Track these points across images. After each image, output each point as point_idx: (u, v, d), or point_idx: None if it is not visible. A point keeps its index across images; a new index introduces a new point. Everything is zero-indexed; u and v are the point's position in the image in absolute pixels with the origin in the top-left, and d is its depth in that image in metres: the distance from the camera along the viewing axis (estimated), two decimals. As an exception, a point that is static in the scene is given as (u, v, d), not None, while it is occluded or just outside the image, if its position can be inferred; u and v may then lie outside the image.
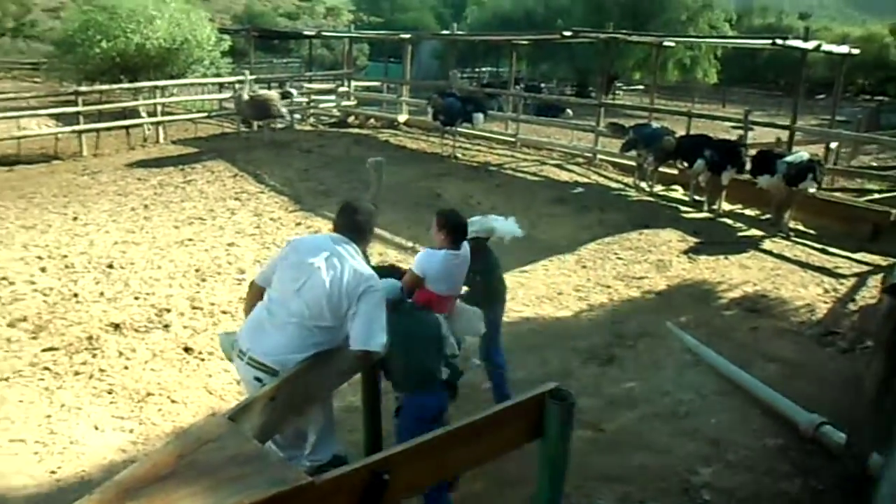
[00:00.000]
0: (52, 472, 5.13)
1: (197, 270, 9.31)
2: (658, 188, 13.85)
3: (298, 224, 11.60)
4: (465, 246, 5.03)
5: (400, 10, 63.11)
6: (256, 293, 4.25)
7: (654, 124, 14.47)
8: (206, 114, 21.03)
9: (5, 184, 14.34)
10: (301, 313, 3.89)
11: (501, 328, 6.18)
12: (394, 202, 12.60)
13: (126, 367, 6.77)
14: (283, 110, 17.68)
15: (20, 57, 44.28)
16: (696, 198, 13.10)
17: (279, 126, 18.21)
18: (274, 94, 18.02)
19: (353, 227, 4.11)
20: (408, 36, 23.51)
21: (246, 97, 17.00)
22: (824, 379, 6.60)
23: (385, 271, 4.98)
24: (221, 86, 22.56)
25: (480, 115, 15.88)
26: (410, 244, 10.68)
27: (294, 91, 19.97)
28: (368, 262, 4.38)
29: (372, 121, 20.87)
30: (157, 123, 18.69)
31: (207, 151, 16.77)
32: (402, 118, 20.01)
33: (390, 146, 17.35)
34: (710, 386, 6.30)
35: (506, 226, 6.06)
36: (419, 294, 4.81)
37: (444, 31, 27.95)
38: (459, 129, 18.05)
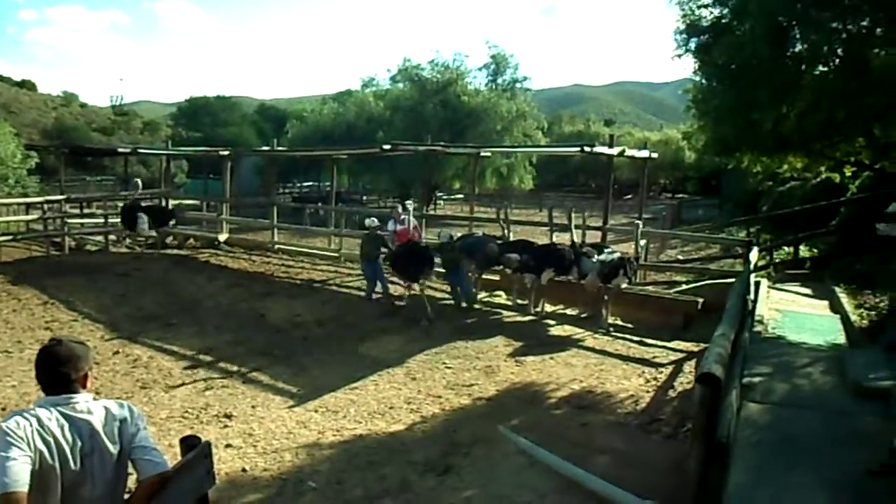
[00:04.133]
0: None
1: (3, 409, 8.66)
2: (482, 295, 14.23)
3: (116, 353, 11.06)
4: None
5: (220, 126, 62.68)
6: None
7: (479, 232, 14.94)
8: (11, 236, 19.90)
9: None
10: None
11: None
12: (217, 325, 12.36)
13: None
14: None
15: None
16: (520, 301, 13.55)
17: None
18: None
19: (62, 380, 3.38)
20: (227, 152, 23.30)
21: None
22: (653, 465, 6.85)
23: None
24: (29, 206, 21.44)
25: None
26: (235, 368, 10.41)
27: None
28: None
29: (191, 241, 20.40)
30: (-45, 247, 17.48)
31: (13, 277, 15.81)
32: (223, 237, 19.72)
33: (211, 267, 16.99)
34: (548, 485, 6.40)
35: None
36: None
37: (265, 147, 28.03)
38: (281, 246, 18.11)
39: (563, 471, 6.57)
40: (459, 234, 14.56)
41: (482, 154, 21.47)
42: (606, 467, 6.70)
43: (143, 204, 18.52)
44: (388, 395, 9.27)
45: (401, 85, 42.02)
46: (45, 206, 20.53)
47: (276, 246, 18.73)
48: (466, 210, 22.84)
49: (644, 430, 7.95)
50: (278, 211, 20.28)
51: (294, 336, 12.11)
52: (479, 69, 42.05)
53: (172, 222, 19.09)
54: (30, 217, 21.05)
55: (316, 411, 8.76)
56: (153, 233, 18.17)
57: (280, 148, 26.22)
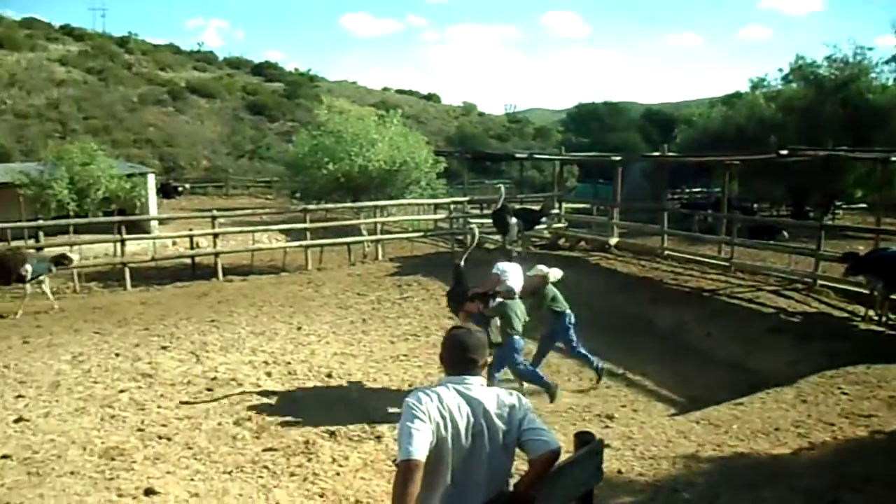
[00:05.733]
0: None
1: (410, 386, 9.64)
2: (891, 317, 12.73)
3: (508, 345, 11.75)
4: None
5: (608, 131, 63.66)
6: None
7: (893, 247, 13.45)
8: (421, 233, 21.97)
9: (238, 292, 15.64)
10: None
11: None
12: (605, 328, 12.52)
13: (338, 474, 7.11)
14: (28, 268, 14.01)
15: (256, 176, 48.84)
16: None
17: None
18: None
19: (466, 364, 3.75)
20: (618, 158, 23.51)
21: None
22: None
23: None
24: (437, 206, 23.56)
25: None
26: (620, 371, 10.56)
27: (75, 257, 16.02)
28: None
29: (582, 243, 20.91)
30: (377, 241, 19.81)
31: (423, 269, 17.47)
32: (613, 241, 19.90)
33: (601, 270, 17.21)
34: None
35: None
36: None
37: (655, 152, 27.93)
38: (670, 252, 17.88)
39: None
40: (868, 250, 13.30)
41: (891, 160, 19.44)
42: None
43: (515, 207, 19.22)
44: (775, 416, 8.67)
45: (794, 85, 39.37)
46: (451, 207, 22.41)
47: (665, 252, 18.56)
48: (871, 221, 20.88)
49: None
50: (668, 216, 20.06)
51: (679, 344, 11.97)
52: (886, 62, 37.96)
53: (542, 225, 19.61)
54: (437, 216, 23.15)
55: (697, 423, 8.53)
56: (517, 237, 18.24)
57: (670, 154, 25.95)
